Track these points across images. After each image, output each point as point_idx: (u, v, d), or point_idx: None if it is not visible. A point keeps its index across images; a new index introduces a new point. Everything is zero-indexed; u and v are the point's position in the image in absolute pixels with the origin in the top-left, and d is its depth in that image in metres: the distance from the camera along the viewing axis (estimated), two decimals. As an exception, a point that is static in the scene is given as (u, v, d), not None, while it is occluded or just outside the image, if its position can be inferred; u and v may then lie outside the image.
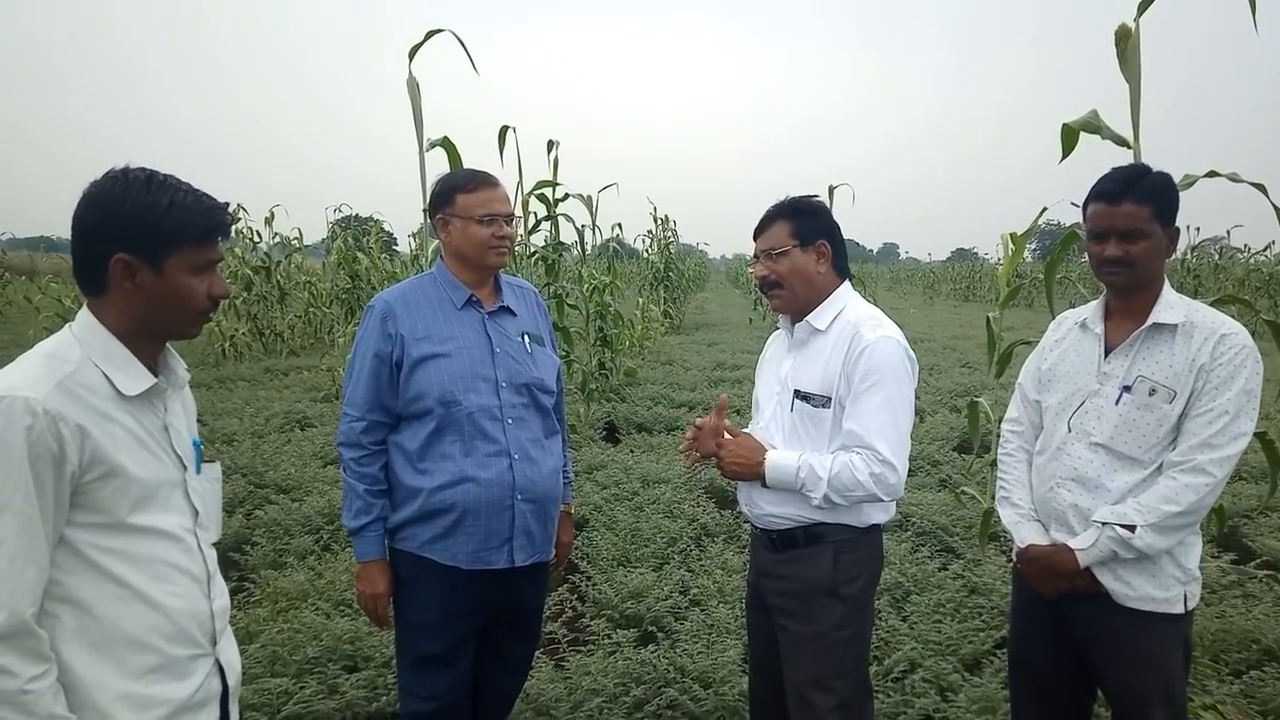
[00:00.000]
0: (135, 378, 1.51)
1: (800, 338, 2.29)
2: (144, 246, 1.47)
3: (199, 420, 1.76)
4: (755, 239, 2.32)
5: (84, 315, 1.52)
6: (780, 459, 2.17)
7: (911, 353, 2.20)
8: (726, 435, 2.27)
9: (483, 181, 2.40)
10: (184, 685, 1.55)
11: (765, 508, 2.24)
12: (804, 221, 2.25)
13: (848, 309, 2.25)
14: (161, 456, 1.55)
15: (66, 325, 1.54)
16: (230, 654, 1.71)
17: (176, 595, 1.54)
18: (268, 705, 2.99)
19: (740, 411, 8.08)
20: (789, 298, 2.27)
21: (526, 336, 2.49)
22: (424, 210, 3.59)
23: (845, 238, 2.35)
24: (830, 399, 2.17)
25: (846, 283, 2.31)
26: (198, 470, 1.66)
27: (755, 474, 2.20)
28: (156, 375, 1.56)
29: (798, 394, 2.23)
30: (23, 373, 1.41)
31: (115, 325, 1.50)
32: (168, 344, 1.62)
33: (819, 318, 2.25)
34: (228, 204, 1.57)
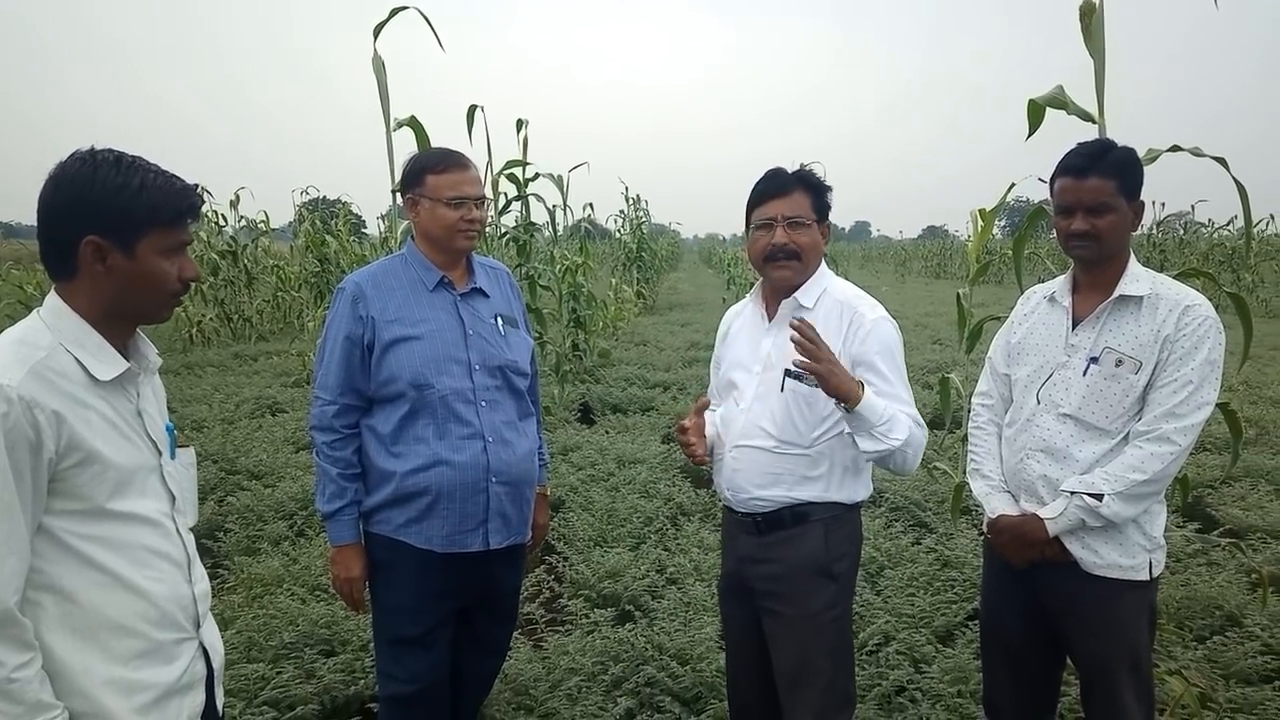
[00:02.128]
0: (108, 363, 1.49)
1: (784, 315, 2.23)
2: (115, 229, 1.44)
3: (168, 407, 1.74)
4: (764, 201, 2.21)
5: (52, 300, 1.49)
6: (875, 398, 2.04)
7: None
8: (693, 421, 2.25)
9: (453, 163, 2.36)
10: (170, 669, 1.55)
11: (751, 490, 2.20)
12: (820, 198, 2.23)
13: (831, 287, 2.24)
14: (137, 442, 1.54)
15: (34, 311, 1.51)
16: (213, 637, 1.70)
17: (159, 580, 1.53)
18: (245, 691, 2.98)
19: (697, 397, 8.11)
20: (800, 271, 2.21)
21: (500, 318, 2.46)
22: (393, 191, 3.55)
23: None
24: None
25: (824, 262, 2.30)
26: (172, 455, 1.64)
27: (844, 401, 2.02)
28: (128, 360, 1.54)
29: (789, 373, 2.15)
30: None
31: (86, 310, 1.48)
32: (138, 329, 1.60)
33: (806, 295, 2.22)
34: (197, 186, 1.55)
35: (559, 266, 8.32)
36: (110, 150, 1.48)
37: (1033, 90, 2.81)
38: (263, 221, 14.36)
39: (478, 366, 2.35)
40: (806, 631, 2.19)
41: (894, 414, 2.05)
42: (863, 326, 2.14)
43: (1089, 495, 2.07)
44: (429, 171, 2.33)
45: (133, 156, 1.49)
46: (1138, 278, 2.14)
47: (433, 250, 2.39)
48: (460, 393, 2.31)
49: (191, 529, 1.69)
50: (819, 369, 1.99)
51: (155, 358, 1.65)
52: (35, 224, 1.48)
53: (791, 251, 2.18)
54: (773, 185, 2.22)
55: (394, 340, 2.28)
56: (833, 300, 2.20)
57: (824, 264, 2.29)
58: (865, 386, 2.05)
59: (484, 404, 2.34)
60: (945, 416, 4.04)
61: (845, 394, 2.00)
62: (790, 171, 2.24)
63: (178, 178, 1.52)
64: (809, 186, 2.22)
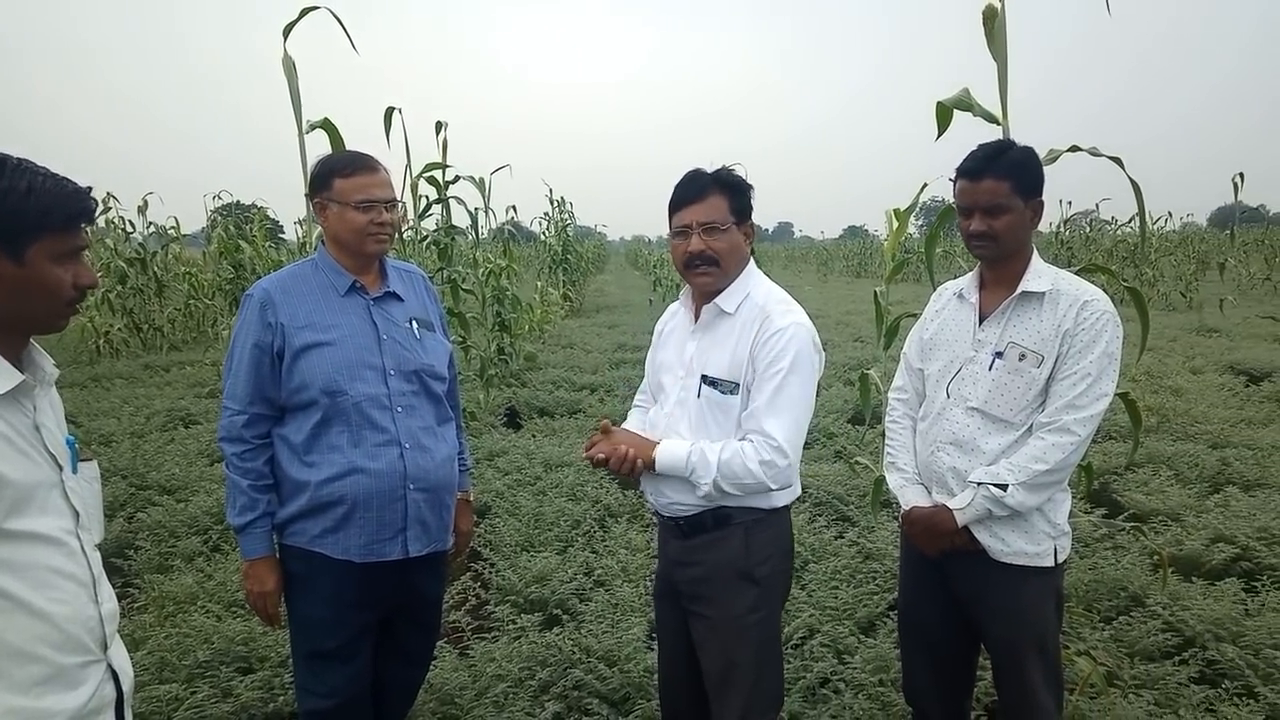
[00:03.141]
0: (1, 375, 1.42)
1: (706, 320, 2.22)
2: (3, 235, 1.37)
3: (71, 421, 1.66)
4: (681, 207, 2.19)
5: None
6: (671, 449, 2.13)
7: (819, 341, 2.18)
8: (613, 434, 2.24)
9: (360, 165, 2.31)
10: (76, 694, 1.47)
11: (670, 495, 2.19)
12: (740, 198, 2.18)
13: (755, 291, 2.20)
14: (35, 457, 1.46)
15: None
16: (121, 659, 1.63)
17: (62, 601, 1.46)
18: (157, 713, 2.88)
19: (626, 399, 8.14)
20: (720, 276, 2.18)
21: (415, 322, 2.42)
22: (306, 195, 3.46)
23: None
24: (739, 384, 2.12)
25: (752, 262, 2.26)
26: (74, 470, 1.57)
27: (646, 466, 2.15)
28: (23, 373, 1.46)
29: (705, 379, 2.17)
30: None
31: None
32: (32, 339, 1.52)
33: (728, 300, 2.19)
34: (90, 188, 1.48)
35: (482, 270, 8.24)
36: None
37: (942, 92, 2.88)
38: (173, 227, 13.87)
39: (392, 372, 2.30)
40: (730, 634, 2.18)
41: (700, 458, 2.08)
42: (767, 330, 2.11)
43: (994, 485, 2.14)
44: (336, 175, 2.28)
45: (19, 159, 1.41)
46: (1040, 274, 2.21)
47: (343, 255, 2.34)
48: (375, 399, 2.26)
49: (98, 546, 1.61)
50: (610, 465, 2.15)
51: (52, 369, 1.57)
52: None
53: (709, 258, 2.15)
54: (689, 190, 2.18)
55: (305, 346, 2.22)
56: (752, 304, 2.17)
57: (752, 265, 2.26)
58: (657, 445, 2.15)
59: (399, 410, 2.29)
60: (865, 412, 4.12)
61: (645, 462, 2.14)
62: (709, 173, 2.19)
63: (69, 180, 1.45)
64: (726, 187, 2.17)
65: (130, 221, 13.36)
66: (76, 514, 1.54)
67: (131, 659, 1.70)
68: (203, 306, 13.66)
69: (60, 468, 1.52)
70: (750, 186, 2.22)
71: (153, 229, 13.56)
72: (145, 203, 13.21)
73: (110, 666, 1.57)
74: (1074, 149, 2.72)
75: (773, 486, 2.09)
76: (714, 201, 2.16)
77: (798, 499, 4.77)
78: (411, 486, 2.29)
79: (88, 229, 1.50)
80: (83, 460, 1.62)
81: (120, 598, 3.83)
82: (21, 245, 1.39)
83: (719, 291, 2.20)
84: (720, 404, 2.15)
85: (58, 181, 1.43)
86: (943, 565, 2.31)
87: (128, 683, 1.63)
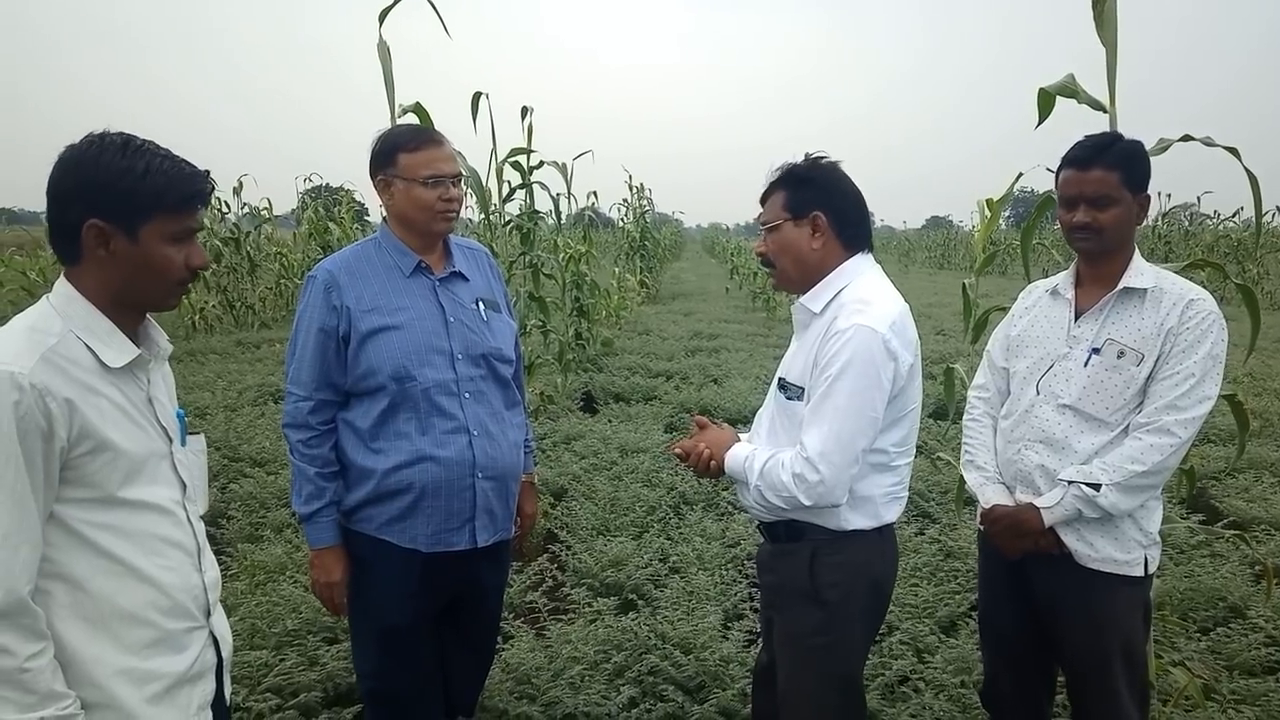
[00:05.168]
0: (119, 349, 1.47)
1: (801, 320, 2.11)
2: (118, 213, 1.42)
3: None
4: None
5: (61, 286, 1.47)
6: (736, 452, 2.07)
7: (897, 344, 1.92)
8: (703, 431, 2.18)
9: (426, 139, 2.22)
10: (181, 658, 1.54)
11: (747, 497, 2.09)
12: (796, 191, 2.04)
13: (849, 289, 2.01)
14: (148, 429, 1.53)
15: (44, 297, 1.49)
16: (223, 626, 1.69)
17: (169, 569, 1.52)
18: (248, 678, 2.99)
19: (718, 381, 8.10)
20: (782, 276, 2.10)
21: (481, 303, 2.34)
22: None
23: None
24: (804, 391, 2.00)
25: (857, 257, 2.06)
26: (183, 442, 1.63)
27: (719, 467, 2.08)
28: (139, 346, 1.52)
29: (780, 383, 2.09)
30: (4, 347, 1.37)
31: (94, 295, 1.46)
32: (148, 315, 1.58)
33: (814, 299, 2.05)
34: (207, 171, 1.53)
35: (562, 255, 8.29)
36: (120, 133, 1.45)
37: (1036, 77, 2.78)
38: (266, 209, 14.34)
39: (460, 356, 2.24)
40: (794, 652, 2.10)
41: (751, 464, 2.01)
42: (830, 334, 1.95)
43: (1086, 485, 2.06)
44: (401, 150, 2.19)
45: (142, 140, 1.46)
46: (1142, 271, 2.13)
47: (408, 234, 2.26)
48: (443, 384, 2.20)
49: (202, 516, 1.68)
50: (689, 462, 2.13)
51: (166, 344, 1.63)
52: (38, 210, 1.47)
53: (765, 259, 2.11)
54: (763, 192, 2.13)
55: (372, 331, 2.16)
56: (839, 305, 2.00)
57: (854, 261, 2.06)
58: (729, 450, 2.08)
59: (467, 395, 2.24)
60: (949, 407, 4.03)
61: (718, 463, 2.09)
62: (778, 172, 2.10)
63: (187, 163, 1.49)
64: (783, 183, 2.07)
65: (226, 202, 13.88)
66: (184, 485, 1.60)
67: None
68: (292, 286, 14.10)
69: (170, 440, 1.59)
70: (812, 175, 2.06)
71: (246, 210, 14.07)
72: (240, 184, 13.73)
73: (212, 633, 1.64)
74: (1186, 138, 2.59)
75: (805, 502, 1.90)
76: (773, 199, 2.08)
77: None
78: (480, 475, 2.24)
79: (203, 211, 1.55)
80: (191, 433, 1.68)
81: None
82: (136, 224, 1.44)
83: (803, 290, 2.08)
84: (786, 409, 2.06)
85: (175, 163, 1.47)
86: (1023, 568, 2.24)
87: (227, 649, 1.70)
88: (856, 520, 2.01)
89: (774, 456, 1.98)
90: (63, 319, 1.44)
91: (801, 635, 2.07)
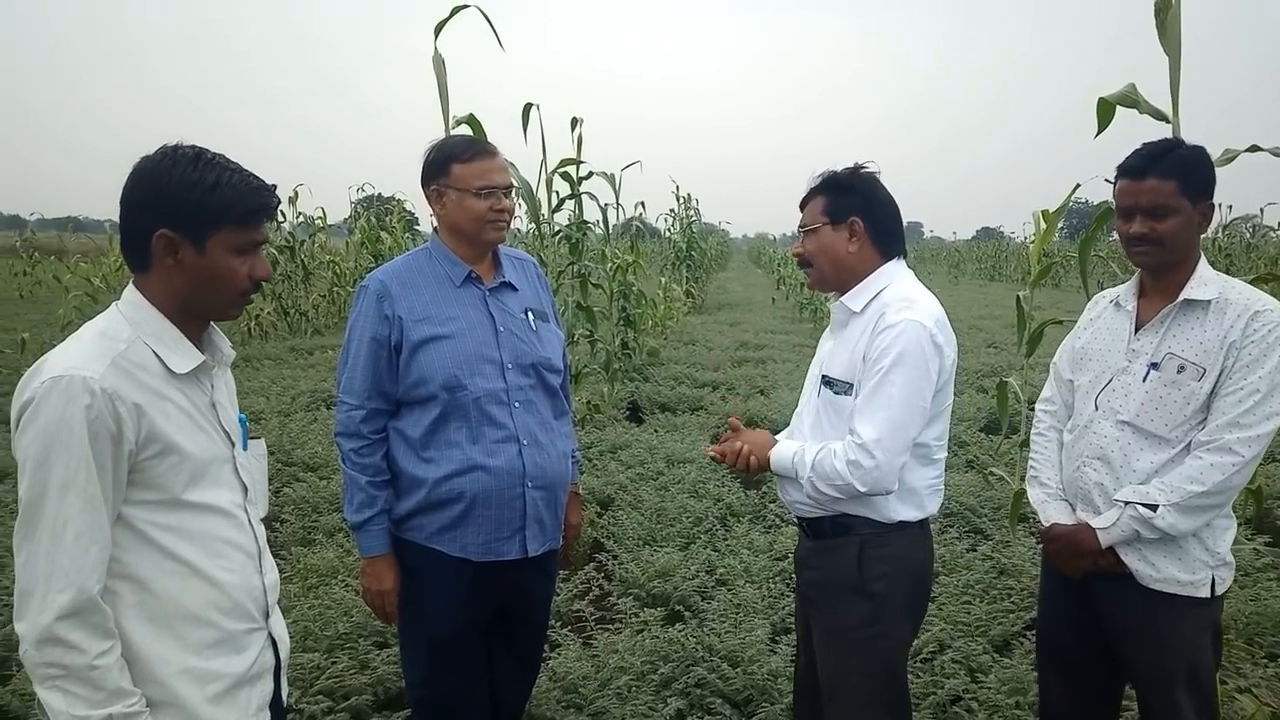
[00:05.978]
0: (185, 356, 1.52)
1: (840, 319, 2.20)
2: (187, 223, 1.46)
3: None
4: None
5: (130, 293, 1.52)
6: (782, 449, 2.14)
7: (942, 339, 2.03)
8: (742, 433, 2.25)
9: (480, 150, 2.24)
10: (241, 659, 1.58)
11: (792, 494, 2.16)
12: (836, 197, 2.14)
13: (889, 289, 2.11)
14: (211, 433, 1.57)
15: (114, 304, 1.54)
16: (280, 628, 1.73)
17: (231, 570, 1.56)
18: (300, 680, 3.03)
19: (765, 392, 8.06)
20: (818, 276, 2.20)
21: (530, 313, 2.36)
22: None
23: None
24: (852, 386, 2.07)
25: (894, 261, 2.17)
26: (244, 447, 1.67)
27: (761, 466, 2.16)
28: (203, 353, 1.56)
29: (824, 379, 2.15)
30: (77, 352, 1.42)
31: (161, 303, 1.51)
32: (212, 322, 1.63)
33: (855, 299, 2.14)
34: (275, 186, 1.57)
35: (610, 265, 8.33)
36: (192, 146, 1.50)
37: (1095, 86, 2.73)
38: (319, 218, 14.63)
39: (510, 365, 2.25)
40: (839, 647, 2.14)
41: (802, 458, 2.07)
42: (879, 329, 2.03)
43: (1143, 506, 2.00)
44: (455, 160, 2.21)
45: (213, 154, 1.50)
46: (1206, 281, 2.06)
47: (460, 244, 2.28)
48: (493, 394, 2.21)
49: (262, 519, 1.72)
50: (727, 462, 2.20)
51: (229, 350, 1.67)
52: (102, 218, 1.52)
53: (802, 259, 2.21)
54: (804, 197, 2.22)
55: (423, 340, 2.18)
56: (880, 304, 2.09)
57: (891, 265, 2.16)
58: (773, 449, 2.15)
59: (517, 405, 2.25)
60: (1002, 420, 3.96)
61: (760, 462, 2.16)
62: (818, 179, 2.20)
63: (255, 176, 1.53)
64: (823, 189, 2.17)
65: (281, 212, 14.19)
66: (245, 488, 1.64)
67: (284, 627, 1.80)
68: (344, 293, 14.36)
69: (232, 444, 1.63)
70: (852, 182, 2.15)
71: (301, 219, 14.37)
72: (295, 194, 14.03)
73: (271, 635, 1.67)
74: (1254, 149, 2.53)
75: (860, 489, 1.98)
76: (810, 205, 2.18)
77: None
78: (530, 484, 2.25)
79: (268, 224, 1.59)
80: (252, 438, 1.72)
81: (270, 568, 4.10)
82: (204, 235, 1.48)
83: (840, 290, 2.18)
84: (834, 404, 2.12)
85: (244, 177, 1.51)
86: (1087, 587, 2.18)
87: (285, 651, 1.74)
88: (904, 511, 2.10)
89: (825, 448, 2.05)
90: (131, 325, 1.48)
91: (847, 629, 2.12)
